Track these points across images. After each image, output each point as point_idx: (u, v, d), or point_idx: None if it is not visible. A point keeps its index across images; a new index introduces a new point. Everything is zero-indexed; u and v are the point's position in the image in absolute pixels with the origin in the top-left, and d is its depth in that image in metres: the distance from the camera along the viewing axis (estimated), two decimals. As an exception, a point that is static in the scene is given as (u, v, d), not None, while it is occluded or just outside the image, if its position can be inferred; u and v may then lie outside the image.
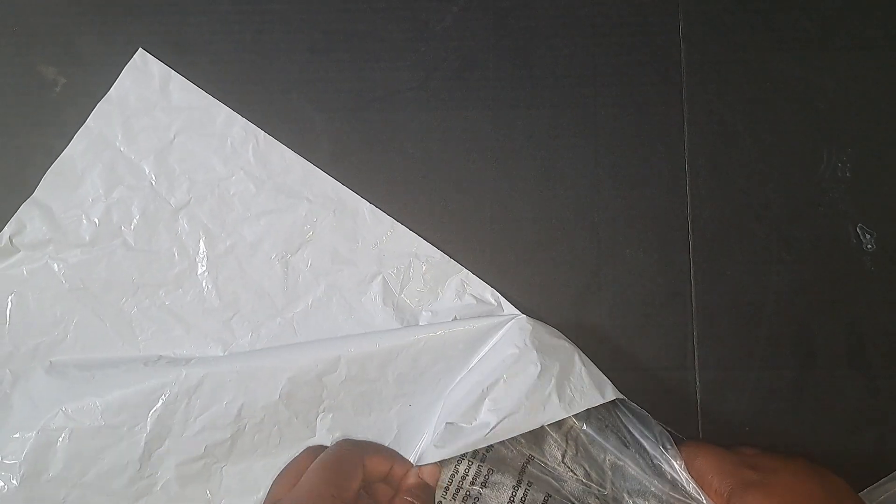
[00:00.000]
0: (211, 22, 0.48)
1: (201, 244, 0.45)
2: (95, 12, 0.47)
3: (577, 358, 0.41)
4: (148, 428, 0.41)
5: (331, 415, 0.43)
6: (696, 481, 0.38)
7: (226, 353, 0.44)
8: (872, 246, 0.46)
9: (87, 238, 0.45)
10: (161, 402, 0.41)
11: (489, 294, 0.45)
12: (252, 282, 0.45)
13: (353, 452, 0.39)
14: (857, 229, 0.46)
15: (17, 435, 0.41)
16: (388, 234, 0.46)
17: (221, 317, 0.45)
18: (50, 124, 0.47)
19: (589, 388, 0.40)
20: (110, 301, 0.45)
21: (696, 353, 0.45)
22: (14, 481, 0.41)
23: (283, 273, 0.45)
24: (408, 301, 0.45)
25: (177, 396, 0.41)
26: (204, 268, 0.45)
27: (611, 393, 0.40)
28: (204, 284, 0.45)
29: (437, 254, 0.45)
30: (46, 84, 0.47)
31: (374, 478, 0.39)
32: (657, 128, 0.47)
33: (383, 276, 0.45)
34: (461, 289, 0.45)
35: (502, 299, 0.45)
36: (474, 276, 0.45)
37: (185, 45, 0.47)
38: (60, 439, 0.41)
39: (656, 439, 0.40)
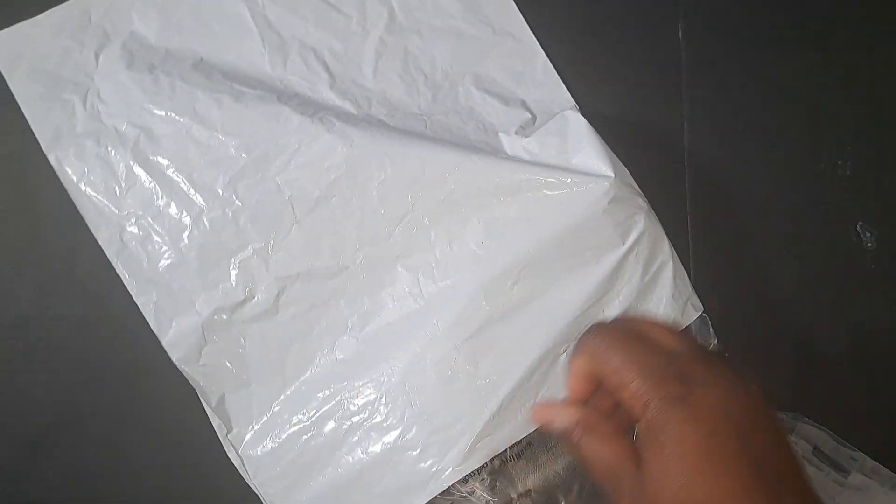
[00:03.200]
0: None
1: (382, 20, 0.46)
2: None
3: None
4: (249, 154, 0.42)
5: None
6: (605, 377, 0.30)
7: (358, 112, 0.44)
8: (873, 244, 0.46)
9: None
10: (266, 137, 0.42)
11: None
12: (409, 74, 0.46)
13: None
14: (858, 227, 0.47)
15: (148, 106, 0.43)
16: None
17: (367, 85, 0.45)
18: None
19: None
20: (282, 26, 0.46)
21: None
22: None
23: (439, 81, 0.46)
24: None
25: (286, 143, 0.42)
26: (376, 37, 0.46)
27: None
28: (367, 51, 0.46)
29: None
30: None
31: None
32: (657, 127, 0.47)
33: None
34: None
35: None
36: None
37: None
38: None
39: None
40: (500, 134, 0.45)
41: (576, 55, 0.48)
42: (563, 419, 0.31)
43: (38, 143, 0.46)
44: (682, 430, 0.27)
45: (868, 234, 0.47)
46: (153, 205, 0.43)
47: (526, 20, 0.48)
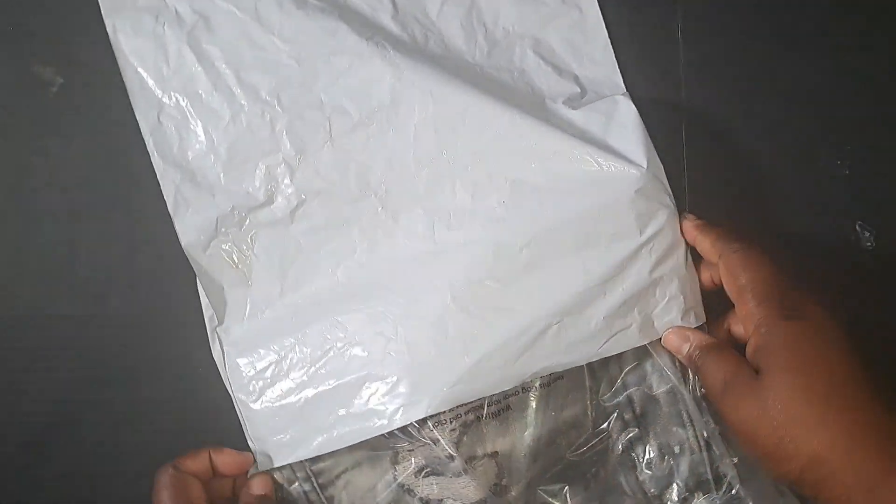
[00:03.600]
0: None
1: None
2: (92, 12, 0.47)
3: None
4: (300, 64, 0.43)
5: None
6: (728, 288, 0.39)
7: (413, 46, 0.45)
8: (872, 243, 0.46)
9: None
10: (319, 51, 0.42)
11: None
12: (470, 23, 0.46)
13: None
14: (857, 227, 0.47)
15: None
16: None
17: (427, 24, 0.46)
18: (47, 125, 0.46)
19: None
20: None
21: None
22: None
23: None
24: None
25: (338, 62, 0.42)
26: None
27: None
28: None
29: None
30: (43, 84, 0.47)
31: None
32: (656, 126, 0.47)
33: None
34: None
35: None
36: None
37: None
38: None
39: None
40: (546, 101, 0.45)
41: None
42: (696, 340, 0.39)
43: (37, 143, 0.46)
44: (795, 342, 0.35)
45: (867, 234, 0.47)
46: (196, 91, 0.43)
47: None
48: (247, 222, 0.43)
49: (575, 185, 0.41)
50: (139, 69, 0.43)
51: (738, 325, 0.40)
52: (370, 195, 0.43)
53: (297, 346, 0.42)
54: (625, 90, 0.46)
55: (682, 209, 0.43)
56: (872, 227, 0.47)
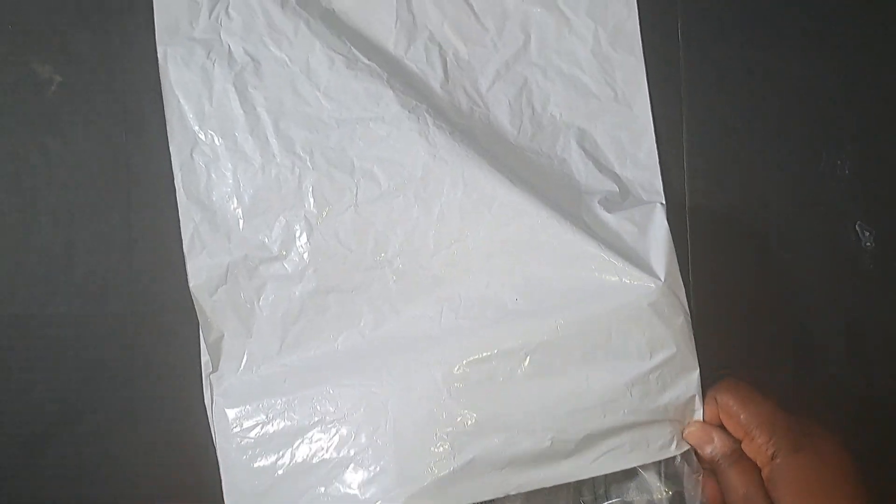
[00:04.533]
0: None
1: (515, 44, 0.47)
2: (91, 10, 0.47)
3: None
4: (339, 126, 0.43)
5: None
6: (730, 427, 0.39)
7: (457, 118, 0.45)
8: (871, 244, 0.46)
9: None
10: (361, 115, 0.43)
11: None
12: (519, 103, 0.46)
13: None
14: (857, 227, 0.46)
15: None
16: None
17: (475, 97, 0.46)
18: (45, 123, 0.46)
19: None
20: None
21: (695, 353, 0.45)
22: None
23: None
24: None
25: (376, 129, 0.43)
26: (503, 59, 0.46)
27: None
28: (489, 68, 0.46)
29: None
30: (42, 82, 0.47)
31: None
32: (656, 126, 0.47)
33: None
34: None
35: None
36: None
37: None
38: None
39: None
40: (583, 195, 0.44)
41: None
42: (720, 444, 0.39)
43: (35, 141, 0.46)
44: (806, 473, 0.37)
45: (867, 234, 0.47)
46: (233, 133, 0.43)
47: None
48: (257, 273, 0.43)
49: (591, 294, 0.39)
50: (182, 101, 0.43)
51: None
52: (384, 267, 0.42)
53: (286, 412, 0.41)
54: (663, 199, 0.45)
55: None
56: (872, 227, 0.46)
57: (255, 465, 0.41)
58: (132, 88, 0.46)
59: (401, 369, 0.40)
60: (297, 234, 0.43)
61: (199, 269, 0.43)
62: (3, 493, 0.45)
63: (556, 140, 0.46)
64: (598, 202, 0.43)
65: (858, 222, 0.47)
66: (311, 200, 0.42)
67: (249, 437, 0.41)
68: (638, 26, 0.46)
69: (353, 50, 0.43)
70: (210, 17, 0.44)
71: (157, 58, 0.45)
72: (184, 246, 0.43)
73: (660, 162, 0.46)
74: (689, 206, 0.46)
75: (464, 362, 0.39)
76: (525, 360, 0.39)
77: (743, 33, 0.47)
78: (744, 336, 0.46)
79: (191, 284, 0.43)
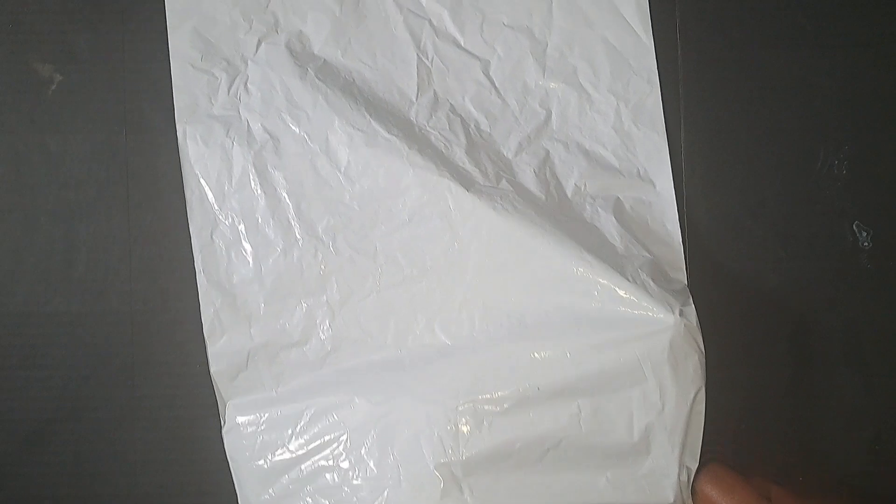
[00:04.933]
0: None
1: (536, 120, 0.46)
2: (92, 9, 0.47)
3: None
4: (361, 208, 0.43)
5: None
6: None
7: (484, 183, 0.43)
8: (869, 243, 0.46)
9: None
10: (383, 196, 0.42)
11: None
12: (543, 174, 0.45)
13: None
14: (854, 227, 0.47)
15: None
16: None
17: (500, 163, 0.45)
18: (45, 122, 0.46)
19: None
20: None
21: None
22: None
23: None
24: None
25: (399, 213, 0.42)
26: (524, 133, 0.46)
27: None
28: (511, 141, 0.46)
29: None
30: (42, 82, 0.47)
31: None
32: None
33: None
34: None
35: None
36: None
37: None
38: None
39: None
40: (621, 258, 0.42)
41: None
42: None
43: (35, 140, 0.46)
44: None
45: (864, 234, 0.47)
46: (254, 216, 0.43)
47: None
48: (277, 360, 0.42)
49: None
50: (202, 181, 0.43)
51: None
52: (404, 351, 0.42)
53: (300, 483, 0.41)
54: (685, 279, 0.44)
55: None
56: (869, 227, 0.47)
57: None
58: (132, 88, 0.46)
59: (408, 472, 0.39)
60: (319, 321, 0.42)
61: (220, 356, 0.42)
62: (3, 490, 0.45)
63: (583, 209, 0.45)
64: (639, 268, 0.41)
65: (856, 222, 0.47)
66: (334, 287, 0.42)
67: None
68: (660, 102, 0.46)
69: (373, 124, 0.43)
70: (229, 94, 0.44)
71: (156, 56, 0.45)
72: (204, 330, 0.43)
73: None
74: (687, 205, 0.46)
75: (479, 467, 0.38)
76: (546, 453, 0.39)
77: (740, 33, 0.47)
78: (741, 336, 0.46)
79: (212, 370, 0.43)
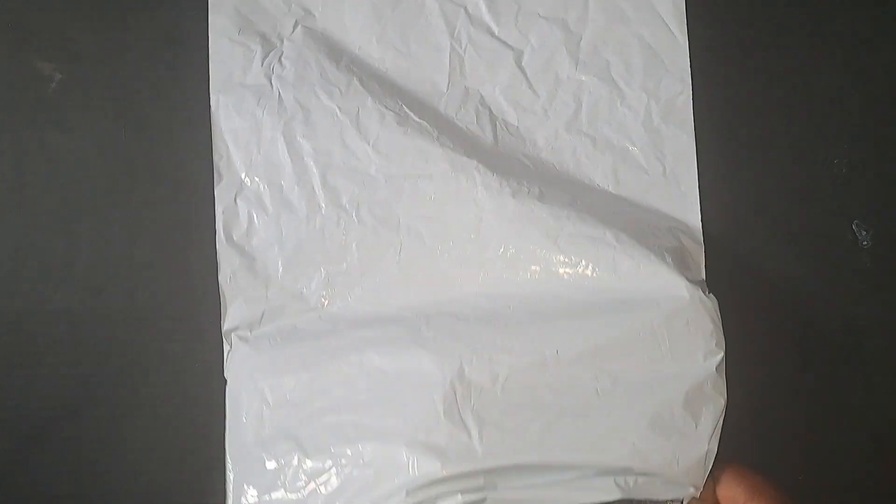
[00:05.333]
0: (208, 19, 0.48)
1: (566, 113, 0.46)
2: (92, 9, 0.47)
3: None
4: (388, 181, 0.43)
5: None
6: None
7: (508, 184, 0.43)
8: (869, 242, 0.46)
9: None
10: (409, 171, 0.43)
11: None
12: (567, 171, 0.45)
13: None
14: (854, 226, 0.47)
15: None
16: None
17: (526, 161, 0.45)
18: (46, 121, 0.47)
19: None
20: None
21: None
22: None
23: None
24: None
25: (424, 188, 0.43)
26: (553, 128, 0.46)
27: None
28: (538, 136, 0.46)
29: None
30: (42, 80, 0.47)
31: None
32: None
33: None
34: None
35: None
36: None
37: (182, 41, 0.47)
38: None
39: None
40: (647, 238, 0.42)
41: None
42: None
43: (37, 139, 0.46)
44: None
45: (864, 233, 0.47)
46: (279, 182, 0.43)
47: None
48: (291, 323, 0.42)
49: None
50: (230, 147, 0.44)
51: None
52: (422, 319, 0.41)
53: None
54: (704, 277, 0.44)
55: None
56: (869, 226, 0.47)
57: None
58: (133, 86, 0.47)
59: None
60: (337, 288, 0.42)
61: (234, 316, 0.42)
62: (3, 487, 0.45)
63: (608, 202, 0.45)
64: (665, 250, 0.41)
65: (856, 221, 0.47)
66: (355, 255, 0.42)
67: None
68: (691, 103, 0.46)
69: (405, 108, 0.43)
70: (263, 64, 0.44)
71: (157, 54, 0.46)
72: (220, 288, 0.43)
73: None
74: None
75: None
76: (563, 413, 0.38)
77: (740, 32, 0.48)
78: (741, 335, 0.46)
79: (224, 328, 0.42)
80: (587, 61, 0.46)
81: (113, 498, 0.45)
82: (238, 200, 0.43)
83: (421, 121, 0.43)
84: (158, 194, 0.46)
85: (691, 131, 0.46)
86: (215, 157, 0.44)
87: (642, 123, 0.46)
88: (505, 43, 0.46)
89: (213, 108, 0.44)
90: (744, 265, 0.46)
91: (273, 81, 0.44)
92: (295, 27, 0.45)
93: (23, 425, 0.45)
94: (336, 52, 0.45)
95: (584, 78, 0.46)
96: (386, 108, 0.43)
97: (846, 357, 0.46)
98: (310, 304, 0.42)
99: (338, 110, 0.43)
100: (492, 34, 0.46)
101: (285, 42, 0.45)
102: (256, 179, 0.43)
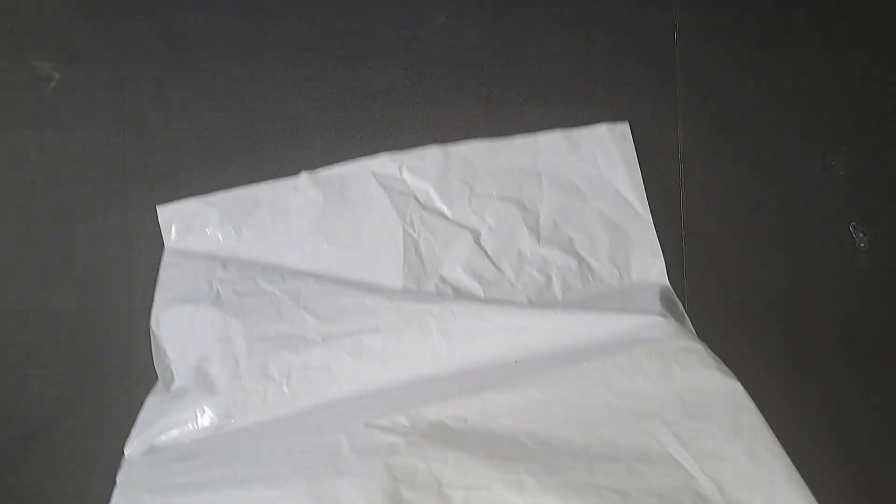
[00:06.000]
0: (207, 19, 0.48)
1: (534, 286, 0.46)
2: (91, 8, 0.47)
3: None
4: None
5: None
6: None
7: None
8: (865, 244, 0.46)
9: None
10: None
11: None
12: None
13: None
14: (851, 227, 0.47)
15: None
16: None
17: None
18: (45, 120, 0.47)
19: None
20: None
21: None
22: None
23: None
24: None
25: None
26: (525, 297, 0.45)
27: None
28: None
29: None
30: (41, 80, 0.47)
31: None
32: (651, 125, 0.47)
33: None
34: None
35: None
36: None
37: (181, 41, 0.48)
38: None
39: None
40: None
41: (569, 52, 0.48)
42: None
43: (34, 138, 0.46)
44: None
45: (861, 234, 0.47)
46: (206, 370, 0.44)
47: (518, 20, 0.48)
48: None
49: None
50: (167, 353, 0.45)
51: None
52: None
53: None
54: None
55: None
56: (866, 227, 0.47)
57: None
58: (130, 86, 0.47)
59: None
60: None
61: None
62: (2, 487, 0.45)
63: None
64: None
65: (853, 223, 0.47)
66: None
67: None
68: (665, 275, 0.45)
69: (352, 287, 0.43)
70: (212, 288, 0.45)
71: (155, 55, 0.46)
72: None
73: (655, 161, 0.46)
74: (685, 205, 0.46)
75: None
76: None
77: (738, 33, 0.47)
78: (739, 336, 0.46)
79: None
80: (549, 237, 0.45)
81: (111, 497, 0.45)
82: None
83: (371, 293, 0.43)
84: (155, 193, 0.46)
85: (671, 296, 0.45)
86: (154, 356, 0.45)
87: (618, 294, 0.45)
88: (460, 224, 0.45)
89: (153, 327, 0.44)
90: (741, 266, 0.46)
91: (214, 284, 0.44)
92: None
93: (20, 423, 0.45)
94: (278, 273, 0.44)
95: (548, 252, 0.45)
96: (331, 282, 0.43)
97: (843, 357, 0.46)
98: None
99: (277, 291, 0.43)
100: (446, 218, 0.45)
101: (228, 266, 0.45)
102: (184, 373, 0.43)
